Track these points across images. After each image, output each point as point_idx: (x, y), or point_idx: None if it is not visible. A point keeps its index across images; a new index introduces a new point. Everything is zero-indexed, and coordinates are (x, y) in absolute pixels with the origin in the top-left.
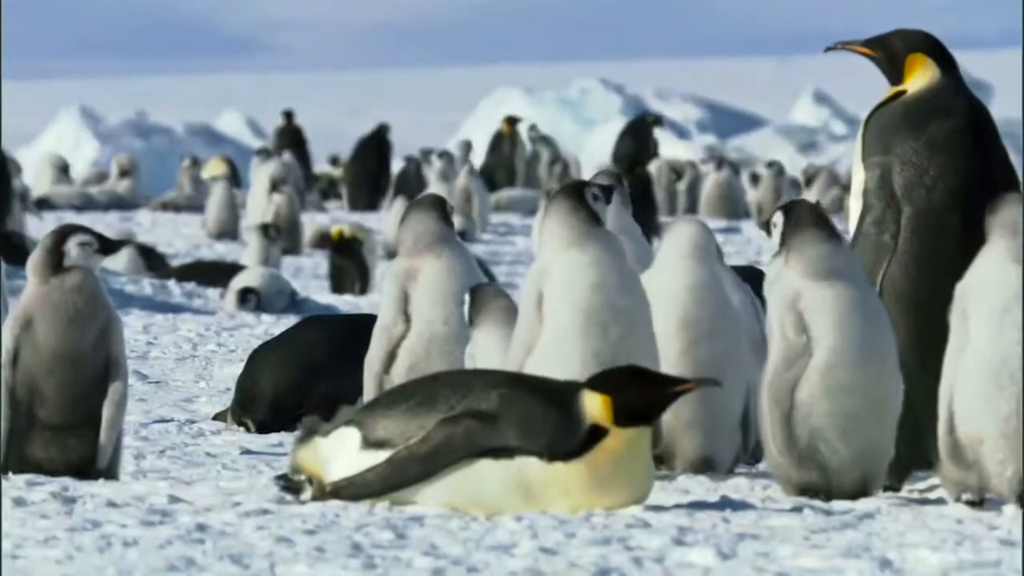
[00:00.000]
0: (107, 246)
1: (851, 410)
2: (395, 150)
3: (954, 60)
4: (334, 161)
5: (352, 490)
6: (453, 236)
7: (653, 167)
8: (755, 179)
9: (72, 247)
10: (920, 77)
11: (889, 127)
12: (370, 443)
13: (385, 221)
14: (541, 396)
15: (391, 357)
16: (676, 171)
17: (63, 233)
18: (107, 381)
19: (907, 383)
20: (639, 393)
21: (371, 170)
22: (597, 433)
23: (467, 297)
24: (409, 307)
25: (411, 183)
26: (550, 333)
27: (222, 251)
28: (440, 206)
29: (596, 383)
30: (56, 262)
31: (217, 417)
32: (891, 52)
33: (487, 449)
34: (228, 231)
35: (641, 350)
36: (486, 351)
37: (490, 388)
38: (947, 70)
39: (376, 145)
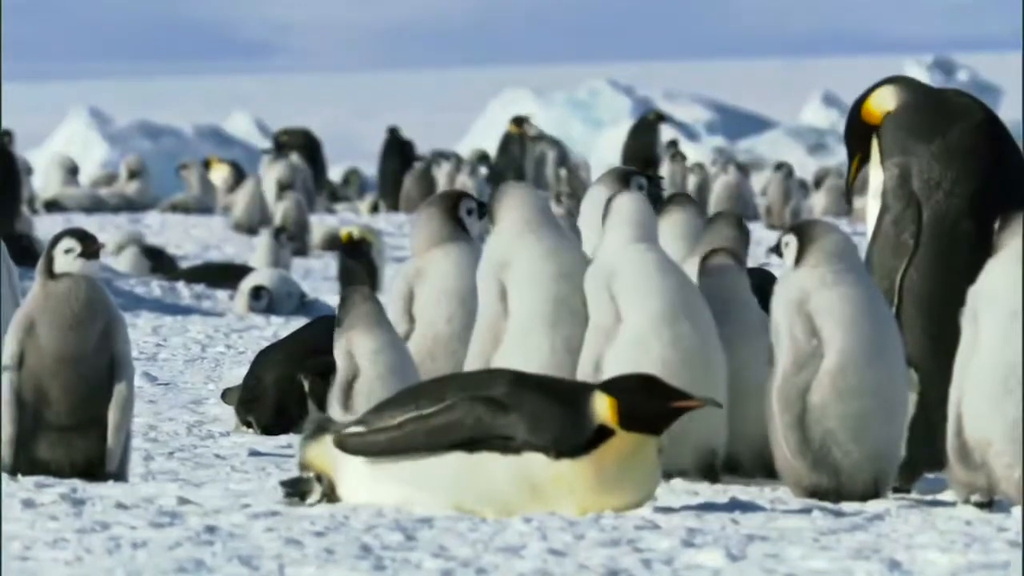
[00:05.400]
0: (88, 251)
1: (863, 411)
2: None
3: (898, 75)
4: (346, 180)
5: (359, 444)
6: (464, 235)
7: (664, 170)
8: (779, 167)
9: (58, 254)
10: (887, 101)
11: (905, 129)
12: None
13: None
14: (550, 394)
15: None
16: (681, 156)
17: (55, 239)
18: (113, 382)
19: (922, 385)
20: (643, 400)
21: (394, 171)
22: (604, 433)
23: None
24: (414, 307)
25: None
26: (517, 323)
27: (231, 253)
28: (453, 203)
29: (607, 386)
30: (50, 268)
31: (225, 395)
32: (858, 134)
33: (495, 436)
34: (255, 225)
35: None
36: (359, 351)
37: (501, 384)
38: (900, 80)
39: (396, 147)
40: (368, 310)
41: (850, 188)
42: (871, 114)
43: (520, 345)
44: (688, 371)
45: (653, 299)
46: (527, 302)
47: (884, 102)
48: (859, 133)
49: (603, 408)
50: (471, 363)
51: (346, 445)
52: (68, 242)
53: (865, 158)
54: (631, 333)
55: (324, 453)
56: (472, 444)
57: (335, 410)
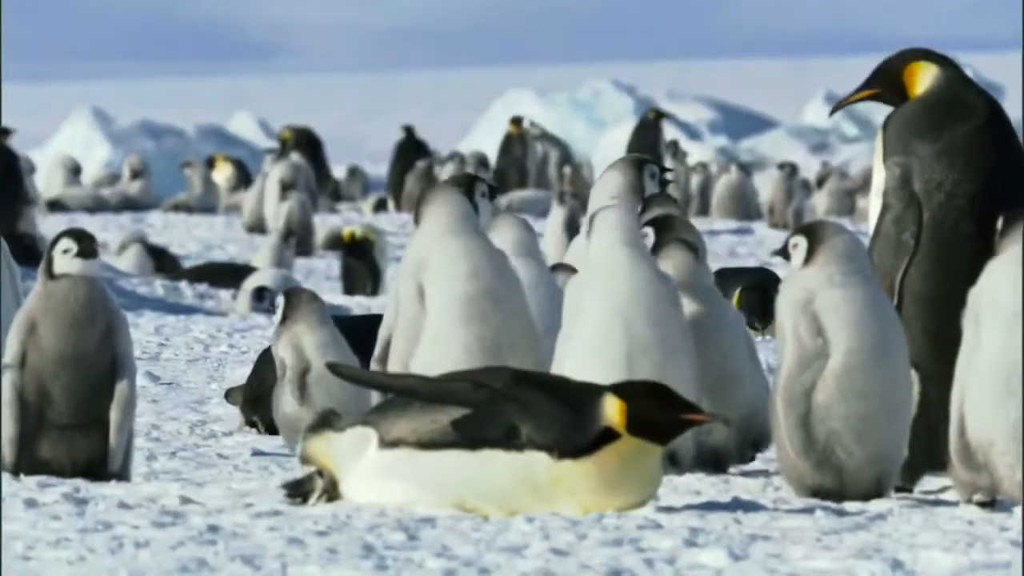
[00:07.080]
0: (85, 250)
1: (867, 413)
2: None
3: (951, 59)
4: (352, 173)
5: (353, 376)
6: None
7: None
8: (783, 167)
9: (57, 254)
10: (924, 80)
11: (908, 128)
12: (386, 443)
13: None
14: (555, 393)
15: None
16: (683, 154)
17: (54, 240)
18: (115, 381)
19: (923, 385)
20: (653, 408)
21: (408, 172)
22: (608, 435)
23: (280, 299)
24: None
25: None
26: (433, 322)
27: (234, 253)
28: (467, 187)
29: (618, 389)
30: (50, 268)
31: (228, 395)
32: (888, 76)
33: (498, 421)
34: (265, 225)
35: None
36: (308, 345)
37: (507, 380)
38: (948, 66)
39: (413, 146)
40: (313, 308)
41: (840, 106)
42: (910, 76)
43: (436, 343)
44: (633, 366)
45: (607, 295)
46: (441, 300)
47: (921, 80)
48: (890, 78)
49: (612, 411)
50: (393, 363)
51: (339, 371)
52: (66, 242)
53: (875, 98)
54: (585, 330)
55: (326, 448)
56: (474, 439)
57: (290, 405)
